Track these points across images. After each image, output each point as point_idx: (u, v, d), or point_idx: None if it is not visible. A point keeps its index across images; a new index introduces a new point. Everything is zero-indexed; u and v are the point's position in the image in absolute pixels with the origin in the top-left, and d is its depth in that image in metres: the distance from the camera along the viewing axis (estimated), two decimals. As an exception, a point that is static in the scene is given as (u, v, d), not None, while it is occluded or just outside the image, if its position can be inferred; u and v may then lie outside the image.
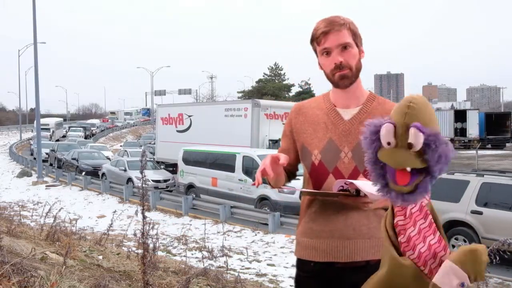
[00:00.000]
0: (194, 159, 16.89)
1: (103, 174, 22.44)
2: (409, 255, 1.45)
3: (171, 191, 19.00)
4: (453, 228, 9.70)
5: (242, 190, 14.64)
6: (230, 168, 15.10)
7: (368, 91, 2.09)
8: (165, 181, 20.06)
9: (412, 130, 1.31)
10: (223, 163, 15.62)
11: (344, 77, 1.94)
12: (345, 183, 1.79)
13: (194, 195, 16.18)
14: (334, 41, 1.92)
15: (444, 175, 10.78)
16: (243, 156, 14.88)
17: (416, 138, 1.30)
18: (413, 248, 1.44)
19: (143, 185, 3.71)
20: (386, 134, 1.34)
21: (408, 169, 1.34)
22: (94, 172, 24.04)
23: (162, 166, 22.30)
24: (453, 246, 9.43)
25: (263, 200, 13.89)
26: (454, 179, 10.16)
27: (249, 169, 14.42)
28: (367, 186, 1.72)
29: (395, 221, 1.46)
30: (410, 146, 1.31)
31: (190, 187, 16.82)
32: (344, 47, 1.93)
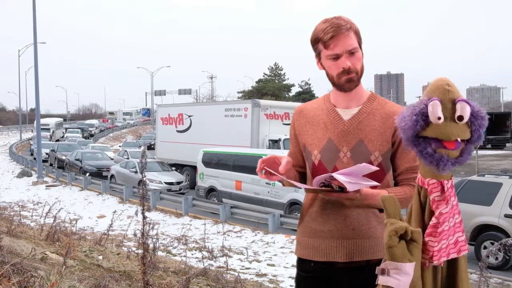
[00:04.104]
0: (215, 161, 15.89)
1: (112, 176, 21.61)
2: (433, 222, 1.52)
3: (183, 193, 18.29)
4: (484, 233, 9.29)
5: (270, 194, 13.67)
6: None
7: (370, 91, 2.10)
8: (178, 183, 19.33)
9: (461, 104, 1.44)
10: (248, 165, 14.43)
11: (350, 80, 1.96)
12: (325, 180, 1.81)
13: (215, 200, 15.55)
14: (343, 46, 1.92)
15: (473, 178, 10.54)
16: None
17: (466, 111, 1.44)
18: (442, 224, 1.51)
19: (143, 185, 3.71)
20: (436, 109, 1.44)
21: (459, 139, 1.46)
22: (98, 173, 23.54)
23: (173, 168, 21.49)
24: (485, 248, 9.06)
25: (293, 205, 13.02)
26: (485, 181, 9.72)
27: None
28: (348, 176, 1.76)
29: (431, 197, 1.52)
30: (460, 118, 1.44)
31: (211, 190, 15.92)
32: (352, 51, 1.94)
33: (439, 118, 1.44)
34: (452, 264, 1.59)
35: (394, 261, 1.46)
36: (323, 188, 1.84)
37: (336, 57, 1.94)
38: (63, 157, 28.87)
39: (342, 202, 1.91)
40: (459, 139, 1.46)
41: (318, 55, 2.02)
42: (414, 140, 1.49)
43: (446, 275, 1.60)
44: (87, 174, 23.21)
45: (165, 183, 18.90)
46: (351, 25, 1.94)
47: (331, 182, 1.81)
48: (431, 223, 1.53)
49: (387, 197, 1.52)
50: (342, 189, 1.80)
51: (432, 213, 1.55)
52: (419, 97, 1.63)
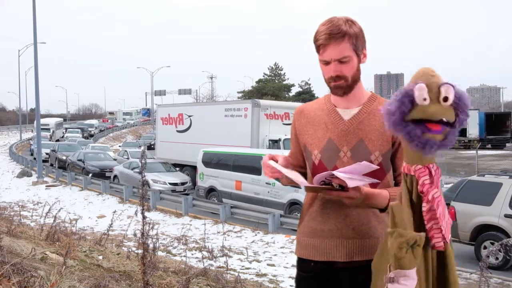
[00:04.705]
0: (215, 161, 15.91)
1: (115, 176, 21.36)
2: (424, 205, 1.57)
3: (188, 194, 18.03)
4: (484, 233, 9.30)
5: (270, 194, 13.69)
6: (256, 171, 13.92)
7: (370, 91, 2.10)
8: (182, 184, 19.19)
9: (446, 86, 1.51)
10: (248, 165, 14.56)
11: (338, 87, 1.98)
12: (326, 178, 1.81)
13: (215, 200, 15.52)
14: (332, 54, 1.93)
15: (473, 178, 10.55)
16: None
17: (451, 93, 1.50)
18: (437, 208, 1.56)
19: (143, 186, 3.71)
20: (422, 91, 1.50)
21: (445, 119, 1.51)
22: (101, 174, 23.14)
23: (177, 168, 21.30)
24: (485, 248, 9.09)
25: (293, 205, 12.98)
26: (486, 181, 9.74)
27: None
28: (349, 174, 1.76)
29: (421, 181, 1.57)
30: (446, 99, 1.50)
31: (211, 190, 15.95)
32: (341, 60, 1.93)
33: (425, 99, 1.49)
34: (442, 257, 1.63)
35: (402, 270, 1.48)
36: (323, 186, 1.84)
37: (326, 63, 1.96)
38: (64, 157, 28.78)
39: (343, 202, 1.91)
40: (444, 119, 1.51)
41: None
42: (401, 123, 1.53)
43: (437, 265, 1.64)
44: (90, 174, 22.90)
45: (169, 183, 18.78)
46: (347, 32, 1.91)
47: (332, 181, 1.81)
48: (424, 208, 1.57)
49: (396, 205, 1.53)
50: (342, 187, 1.80)
51: (419, 196, 1.58)
52: None
